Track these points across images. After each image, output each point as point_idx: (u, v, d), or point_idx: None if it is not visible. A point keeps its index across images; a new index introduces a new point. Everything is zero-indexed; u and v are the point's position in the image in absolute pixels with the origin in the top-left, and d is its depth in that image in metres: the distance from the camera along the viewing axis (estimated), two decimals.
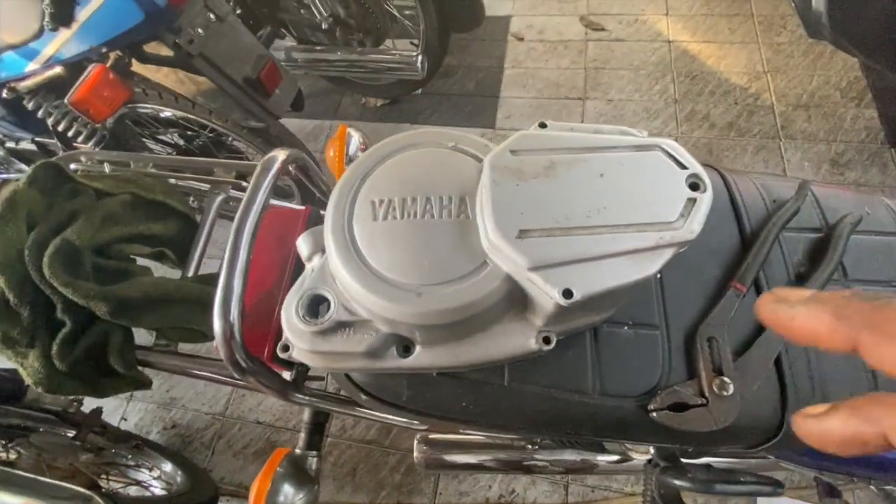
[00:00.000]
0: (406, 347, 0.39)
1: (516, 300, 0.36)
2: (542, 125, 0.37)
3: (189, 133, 1.39)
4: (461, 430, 0.83)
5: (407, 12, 1.70)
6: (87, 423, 1.08)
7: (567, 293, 0.31)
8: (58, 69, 0.97)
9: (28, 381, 0.44)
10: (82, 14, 0.83)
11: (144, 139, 1.46)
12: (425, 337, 0.38)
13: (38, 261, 0.42)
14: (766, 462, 0.64)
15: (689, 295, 0.44)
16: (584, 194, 0.32)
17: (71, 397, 1.09)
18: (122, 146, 1.34)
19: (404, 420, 0.57)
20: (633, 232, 0.31)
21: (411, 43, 1.82)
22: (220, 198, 0.58)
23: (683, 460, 0.59)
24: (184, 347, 0.51)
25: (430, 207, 0.36)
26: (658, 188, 0.32)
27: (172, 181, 0.55)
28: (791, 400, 0.41)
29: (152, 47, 0.97)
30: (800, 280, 0.45)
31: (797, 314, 0.19)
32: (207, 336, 0.49)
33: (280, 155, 0.49)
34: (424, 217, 0.36)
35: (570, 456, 0.79)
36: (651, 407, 0.40)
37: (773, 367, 0.41)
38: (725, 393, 0.39)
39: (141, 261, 0.52)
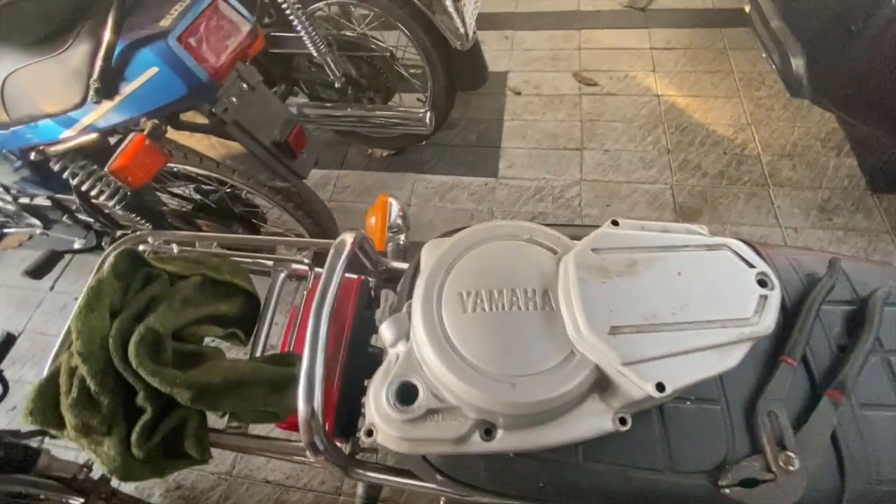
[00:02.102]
0: (488, 430, 0.41)
1: (599, 386, 0.39)
2: (615, 223, 0.41)
3: (205, 187, 1.42)
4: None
5: (413, 71, 1.80)
6: (97, 490, 1.04)
7: (660, 387, 0.33)
8: (92, 135, 0.99)
9: (102, 468, 0.44)
10: (127, 88, 0.86)
11: (159, 193, 1.48)
12: (509, 422, 0.40)
13: (122, 349, 0.43)
14: None
15: (742, 370, 0.47)
16: (667, 292, 0.36)
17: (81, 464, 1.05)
18: (137, 199, 1.35)
19: (458, 493, 0.57)
20: (716, 328, 0.34)
21: (417, 99, 1.91)
22: (283, 275, 0.60)
23: None
24: (252, 428, 0.52)
25: (516, 299, 0.39)
26: (731, 285, 0.36)
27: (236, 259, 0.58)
28: (848, 471, 0.43)
29: (188, 115, 1.01)
30: (841, 352, 0.49)
31: None
32: (280, 416, 0.50)
33: (349, 238, 0.52)
34: (512, 309, 0.39)
35: None
36: (722, 483, 0.42)
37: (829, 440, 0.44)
38: (792, 468, 0.41)
39: (209, 341, 0.53)
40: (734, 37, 2.29)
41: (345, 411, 0.58)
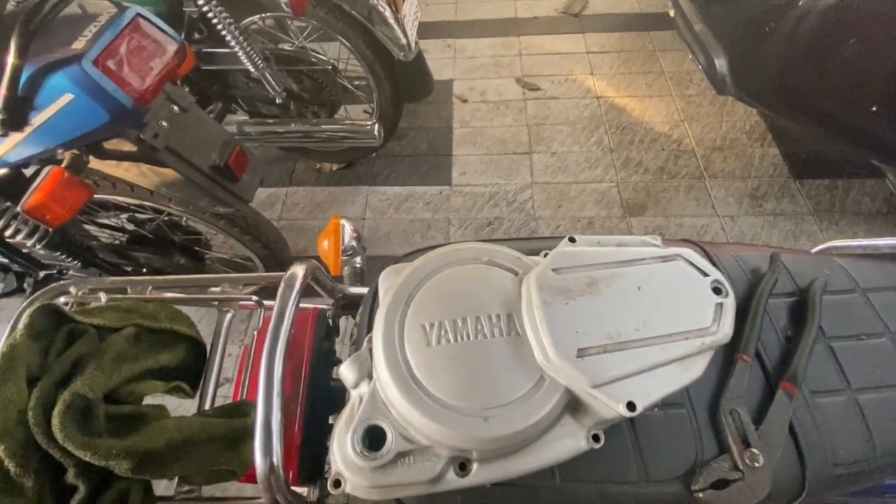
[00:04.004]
0: (462, 465, 0.39)
1: (570, 407, 0.38)
2: (572, 240, 0.40)
3: (140, 217, 1.32)
4: None
5: (357, 83, 1.77)
6: None
7: (631, 406, 0.33)
8: (1, 170, 0.89)
9: None
10: (38, 118, 0.78)
11: (86, 226, 1.36)
12: (483, 455, 0.39)
13: (44, 422, 0.37)
14: None
15: (702, 379, 0.48)
16: (628, 309, 0.36)
17: None
18: (61, 236, 1.23)
19: None
20: (679, 340, 0.35)
21: (364, 111, 1.88)
22: (229, 316, 0.55)
23: None
24: (207, 489, 0.47)
25: (480, 327, 0.38)
26: (688, 296, 0.36)
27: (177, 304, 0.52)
28: (808, 459, 0.45)
29: (113, 143, 0.93)
30: (788, 342, 0.51)
31: None
32: (237, 473, 0.46)
33: (300, 270, 0.48)
34: (477, 337, 0.38)
35: None
36: (695, 487, 0.43)
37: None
38: (757, 464, 0.42)
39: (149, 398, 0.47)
40: (662, 39, 2.42)
41: (309, 454, 0.54)
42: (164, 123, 0.93)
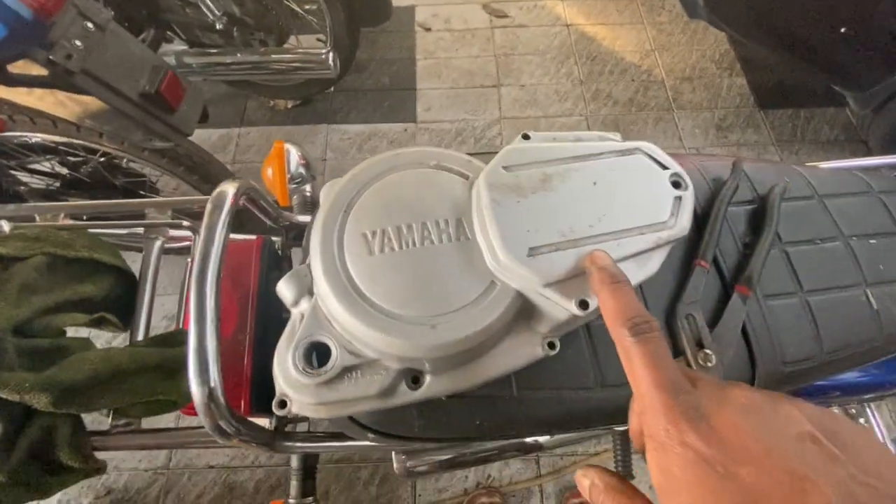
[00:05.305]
0: (415, 378, 0.38)
1: (524, 313, 0.36)
2: (526, 136, 0.37)
3: (73, 159, 1.20)
4: None
5: (308, 7, 1.61)
6: None
7: (583, 304, 0.31)
8: None
9: None
10: None
11: (13, 171, 1.23)
12: (436, 366, 0.37)
13: None
14: None
15: (660, 277, 0.48)
16: (583, 204, 0.33)
17: None
18: None
19: (395, 447, 0.55)
20: (634, 235, 0.33)
21: (318, 39, 1.73)
22: (158, 243, 0.50)
23: None
24: (147, 421, 0.45)
25: (427, 233, 0.35)
26: (646, 190, 0.34)
27: (95, 231, 0.47)
28: (758, 358, 0.46)
29: (19, 66, 0.81)
30: (746, 249, 0.51)
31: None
32: (178, 404, 0.43)
33: (230, 188, 0.44)
34: (424, 244, 0.35)
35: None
36: None
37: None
38: (710, 364, 0.43)
39: (73, 332, 0.43)
40: None
41: (265, 385, 0.52)
42: (78, 43, 0.81)
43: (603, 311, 0.28)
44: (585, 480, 0.27)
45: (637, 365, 0.25)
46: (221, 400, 0.38)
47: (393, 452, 0.86)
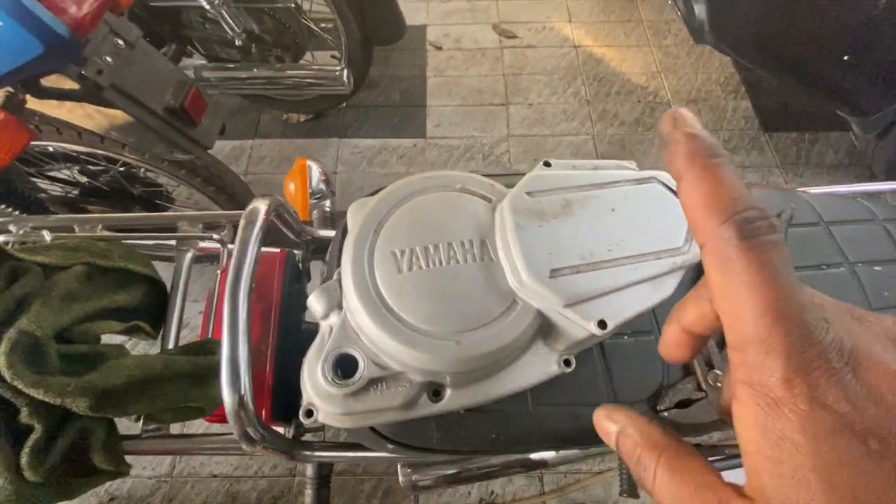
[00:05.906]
0: (436, 392, 0.39)
1: (542, 331, 0.38)
2: (547, 164, 0.39)
3: (93, 168, 1.23)
4: None
5: (324, 26, 1.66)
6: None
7: (602, 324, 0.33)
8: None
9: None
10: None
11: (33, 178, 1.27)
12: (456, 380, 0.38)
13: None
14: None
15: (671, 300, 0.49)
16: (602, 229, 0.35)
17: None
18: (3, 185, 1.15)
19: (412, 458, 0.56)
20: (651, 260, 0.34)
21: (332, 56, 1.78)
22: (189, 255, 0.52)
23: None
24: (175, 426, 0.46)
25: (453, 253, 0.37)
26: (662, 217, 0.36)
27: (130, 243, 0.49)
28: None
29: (52, 80, 0.84)
30: None
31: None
32: (205, 411, 0.45)
33: (262, 205, 0.46)
34: (450, 263, 0.36)
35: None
36: (660, 407, 0.44)
37: None
38: (719, 384, 0.44)
39: (106, 339, 0.45)
40: None
41: (282, 396, 0.54)
42: (109, 59, 0.85)
43: (688, 200, 0.19)
44: (611, 425, 0.21)
45: (743, 281, 0.17)
46: (251, 407, 0.39)
47: (399, 465, 0.87)
